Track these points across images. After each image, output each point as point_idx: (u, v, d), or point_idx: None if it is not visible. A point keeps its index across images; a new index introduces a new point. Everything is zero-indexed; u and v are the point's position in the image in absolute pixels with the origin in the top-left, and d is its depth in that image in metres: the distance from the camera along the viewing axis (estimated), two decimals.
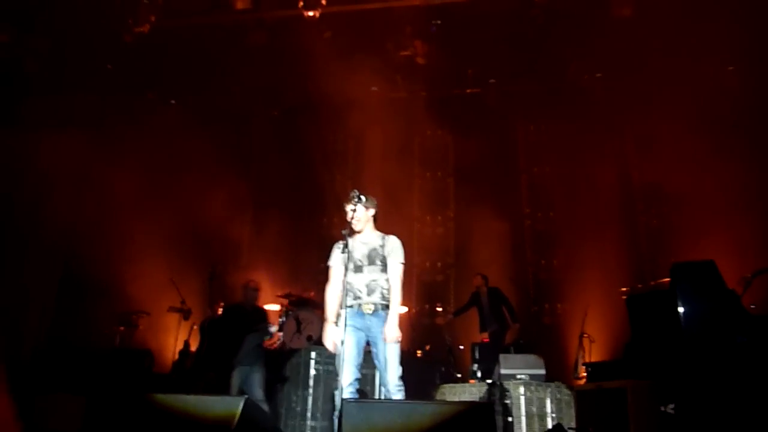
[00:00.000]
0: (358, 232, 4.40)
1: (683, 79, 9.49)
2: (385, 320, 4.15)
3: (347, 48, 9.47)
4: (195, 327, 8.87)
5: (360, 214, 4.33)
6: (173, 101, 11.17)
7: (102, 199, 9.78)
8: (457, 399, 7.44)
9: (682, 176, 9.24)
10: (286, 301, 8.91)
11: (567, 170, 10.70)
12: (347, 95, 10.91)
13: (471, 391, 7.39)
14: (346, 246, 4.08)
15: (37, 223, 9.68)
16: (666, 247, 9.77)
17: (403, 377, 4.10)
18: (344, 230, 4.14)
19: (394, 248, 4.39)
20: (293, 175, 11.35)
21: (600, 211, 10.05)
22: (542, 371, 7.41)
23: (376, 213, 4.56)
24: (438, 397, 7.64)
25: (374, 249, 4.36)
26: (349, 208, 4.35)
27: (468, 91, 11.14)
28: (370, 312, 4.17)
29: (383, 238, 4.47)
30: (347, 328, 3.88)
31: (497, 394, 7.08)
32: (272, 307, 9.28)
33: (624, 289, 8.37)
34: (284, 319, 8.69)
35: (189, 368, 8.20)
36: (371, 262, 4.30)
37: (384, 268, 4.31)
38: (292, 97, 11.43)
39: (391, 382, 4.02)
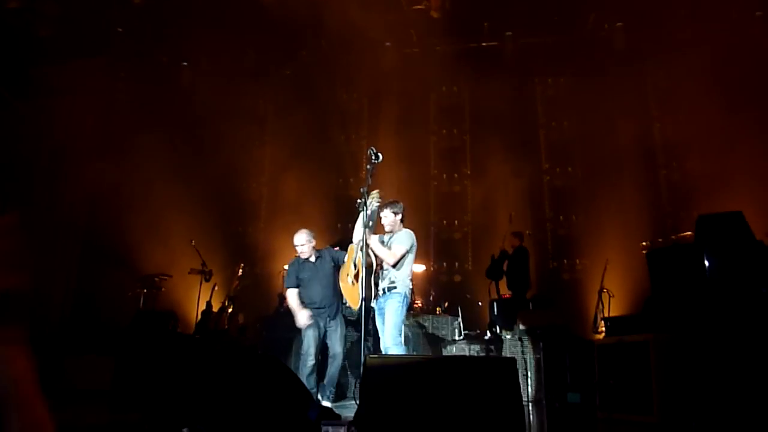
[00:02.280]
0: (387, 232, 5.12)
1: (707, 26, 9.17)
2: (390, 297, 4.90)
3: (360, 3, 9.25)
4: (216, 288, 9.02)
5: (389, 219, 5.04)
6: (185, 63, 11.06)
7: (119, 164, 9.82)
8: (475, 354, 7.53)
9: (704, 128, 9.03)
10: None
11: (586, 124, 10.48)
12: (361, 52, 10.74)
13: (489, 347, 7.45)
14: (365, 203, 4.39)
15: (57, 191, 9.77)
16: (687, 201, 9.62)
17: (399, 346, 4.79)
18: (362, 188, 4.39)
19: (398, 238, 5.01)
20: (308, 135, 11.27)
21: (620, 165, 9.89)
22: (561, 326, 7.42)
23: (403, 214, 5.16)
24: (456, 352, 7.72)
25: (385, 242, 5.06)
26: (382, 215, 5.00)
27: (484, 44, 10.86)
28: (383, 294, 4.96)
29: (401, 232, 5.10)
30: (375, 310, 5.05)
31: (517, 348, 7.14)
32: None
33: (644, 243, 8.30)
34: None
35: (212, 328, 8.36)
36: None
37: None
38: (305, 55, 11.26)
39: (387, 343, 4.75)
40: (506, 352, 7.26)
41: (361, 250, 4.61)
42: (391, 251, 4.91)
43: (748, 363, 3.67)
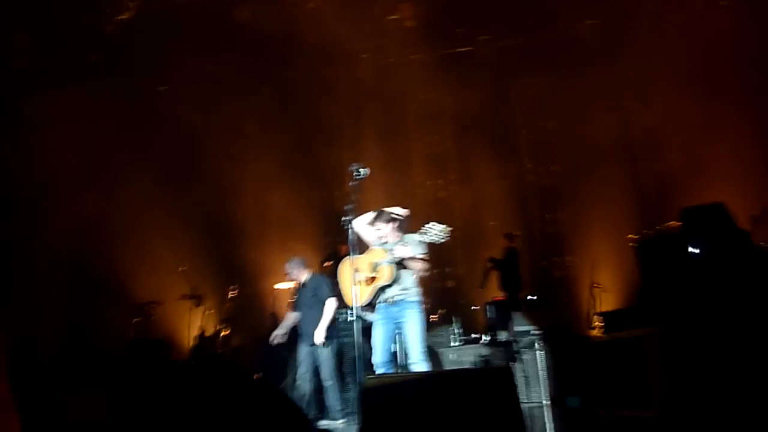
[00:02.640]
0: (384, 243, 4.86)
1: (676, 18, 9.28)
2: (406, 308, 4.68)
3: (335, 16, 9.30)
4: (210, 311, 8.95)
5: (385, 231, 4.82)
6: (163, 87, 11.03)
7: (103, 193, 9.75)
8: (472, 359, 7.52)
9: (682, 119, 9.14)
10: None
11: (566, 122, 10.58)
12: (339, 65, 10.78)
13: (486, 350, 7.45)
14: (351, 221, 4.28)
15: (41, 224, 9.65)
16: (670, 191, 9.70)
17: (426, 353, 4.59)
18: (347, 206, 4.32)
19: (409, 240, 4.81)
20: (292, 151, 11.26)
21: (602, 160, 9.96)
22: (555, 325, 7.44)
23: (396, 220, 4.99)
24: (453, 357, 7.70)
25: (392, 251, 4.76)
26: (378, 227, 4.84)
27: (460, 49, 10.95)
28: (394, 303, 4.71)
29: (405, 237, 4.89)
30: (379, 319, 4.70)
31: (513, 350, 7.14)
32: (283, 286, 9.31)
33: (632, 236, 8.36)
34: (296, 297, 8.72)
35: (206, 353, 8.28)
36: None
37: (403, 266, 4.75)
38: (283, 71, 11.27)
39: (414, 357, 4.52)
40: (504, 356, 7.25)
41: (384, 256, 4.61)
42: (421, 258, 4.71)
43: (740, 350, 3.70)
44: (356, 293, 4.51)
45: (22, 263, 9.17)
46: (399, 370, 4.67)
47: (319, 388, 6.29)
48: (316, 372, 6.25)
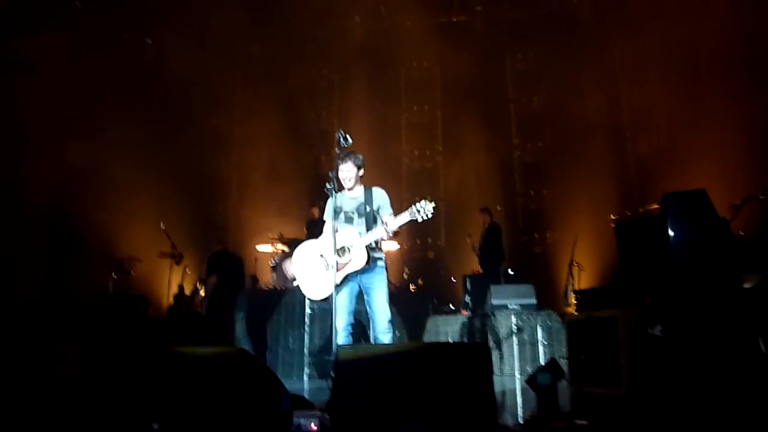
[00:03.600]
0: (349, 189, 4.45)
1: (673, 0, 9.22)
2: (375, 270, 4.32)
3: None
4: (188, 271, 8.90)
5: (351, 174, 4.37)
6: (149, 40, 10.76)
7: (85, 144, 9.57)
8: (449, 330, 7.63)
9: (671, 102, 9.14)
10: (277, 242, 8.90)
11: (555, 99, 10.53)
12: (330, 28, 10.58)
13: (463, 322, 7.55)
14: (334, 188, 4.06)
15: (20, 174, 9.46)
16: (654, 174, 9.78)
17: (392, 321, 4.30)
18: (328, 184, 4.10)
19: (384, 203, 4.42)
20: (277, 113, 11.10)
21: (588, 139, 9.97)
22: (533, 300, 7.56)
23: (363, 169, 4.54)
24: (430, 328, 7.81)
25: (362, 203, 4.40)
26: (344, 168, 4.36)
27: (454, 19, 10.81)
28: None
29: (371, 190, 4.47)
30: (343, 281, 4.19)
31: (489, 324, 7.25)
32: (265, 249, 9.30)
33: (613, 216, 8.43)
34: (277, 260, 8.73)
35: (185, 311, 8.28)
36: (360, 215, 4.36)
37: (374, 221, 4.36)
38: (273, 31, 11.04)
39: (380, 327, 4.23)
40: (479, 328, 7.37)
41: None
42: (393, 221, 4.23)
43: (711, 336, 3.78)
44: (318, 282, 4.27)
45: (0, 209, 9.03)
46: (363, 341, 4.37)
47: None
48: None
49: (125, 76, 10.14)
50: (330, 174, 4.14)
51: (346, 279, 4.23)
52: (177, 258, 8.53)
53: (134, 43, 10.71)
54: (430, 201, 4.09)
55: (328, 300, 4.14)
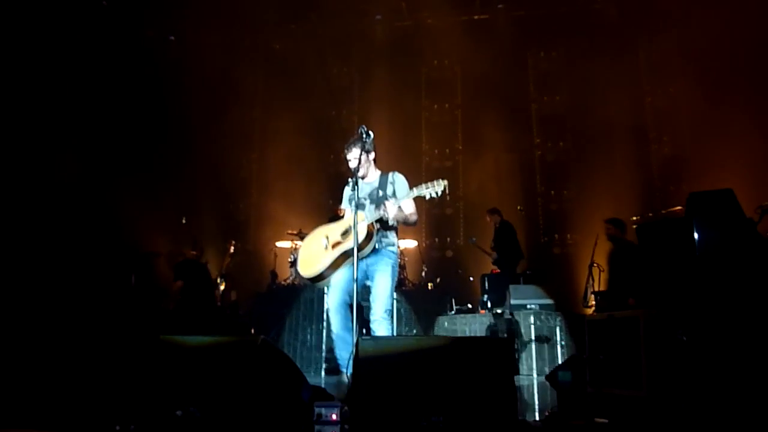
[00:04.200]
0: (362, 177, 4.24)
1: (700, 2, 9.10)
2: (381, 254, 4.14)
3: None
4: (208, 265, 8.98)
5: (357, 158, 4.09)
6: (172, 37, 10.87)
7: (107, 140, 9.68)
8: (468, 329, 7.61)
9: (695, 104, 9.02)
10: (297, 238, 8.95)
11: (578, 98, 10.45)
12: (351, 26, 10.61)
13: (482, 321, 7.53)
14: (355, 185, 3.93)
15: (41, 165, 9.60)
16: (677, 176, 9.66)
17: (391, 312, 4.08)
18: (350, 179, 3.97)
19: (399, 186, 4.25)
20: (298, 111, 11.16)
21: (611, 140, 9.89)
22: (551, 301, 7.51)
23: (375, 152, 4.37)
24: (448, 326, 7.81)
25: (375, 188, 4.25)
26: (351, 156, 4.18)
27: (476, 17, 10.76)
28: (374, 249, 4.10)
29: (387, 176, 4.31)
30: (347, 261, 3.99)
31: (507, 323, 7.22)
32: (284, 245, 9.36)
33: (635, 218, 8.34)
34: (296, 256, 8.76)
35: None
36: (372, 201, 4.19)
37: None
38: (294, 28, 11.10)
39: (376, 314, 4.01)
40: (497, 327, 7.34)
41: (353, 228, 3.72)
42: (408, 204, 4.11)
43: (736, 339, 3.72)
44: (312, 259, 4.13)
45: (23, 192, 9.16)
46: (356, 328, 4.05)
47: None
48: None
49: (148, 71, 10.25)
50: (353, 168, 4.09)
51: (349, 260, 3.97)
52: (197, 253, 8.61)
53: (158, 40, 10.82)
54: (444, 179, 3.96)
55: (317, 280, 4.04)
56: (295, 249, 8.97)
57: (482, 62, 10.16)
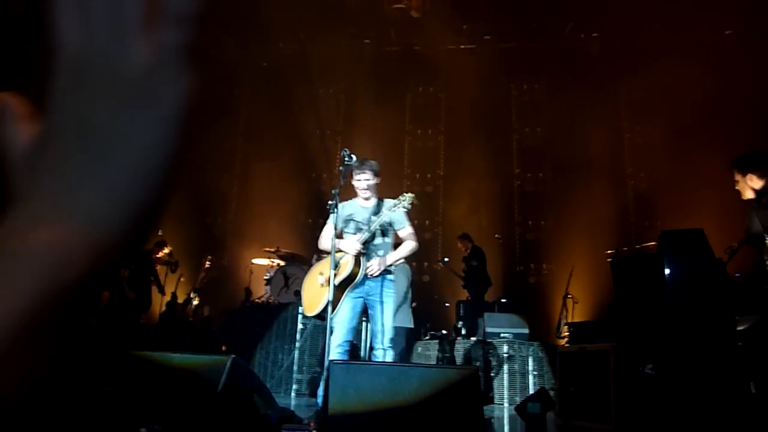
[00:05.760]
0: (365, 199, 4.36)
1: (680, 42, 9.40)
2: (383, 284, 4.19)
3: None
4: (182, 279, 8.88)
5: (371, 182, 4.28)
6: None
7: None
8: (441, 355, 7.60)
9: (673, 143, 9.25)
10: (274, 256, 8.90)
11: (558, 131, 10.64)
12: (339, 48, 10.71)
13: (456, 348, 7.53)
14: (336, 206, 3.98)
15: None
16: (652, 212, 9.85)
17: (393, 339, 4.19)
18: (334, 190, 4.03)
19: (397, 218, 4.33)
20: (282, 128, 11.20)
21: (589, 173, 10.06)
22: (525, 330, 7.54)
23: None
24: (422, 352, 7.79)
25: (372, 214, 4.31)
26: (363, 177, 4.28)
27: (462, 46, 10.94)
28: (371, 276, 4.15)
29: (382, 203, 4.38)
30: (347, 292, 4.05)
31: (481, 351, 7.23)
32: (260, 262, 9.29)
33: (609, 251, 8.46)
34: (272, 274, 8.72)
35: (177, 320, 8.24)
36: (366, 225, 4.25)
37: (384, 233, 4.28)
38: (282, 47, 11.17)
39: (382, 343, 4.09)
40: (470, 355, 7.35)
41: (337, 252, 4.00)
42: (409, 234, 4.28)
43: (703, 375, 3.78)
44: (312, 297, 4.19)
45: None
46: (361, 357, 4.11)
47: None
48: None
49: None
50: (333, 191, 4.10)
51: (348, 293, 4.07)
52: (173, 266, 8.52)
53: None
54: (409, 194, 4.08)
55: (324, 316, 3.99)
56: (272, 267, 8.93)
57: (467, 91, 10.32)
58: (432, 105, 11.85)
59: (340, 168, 4.15)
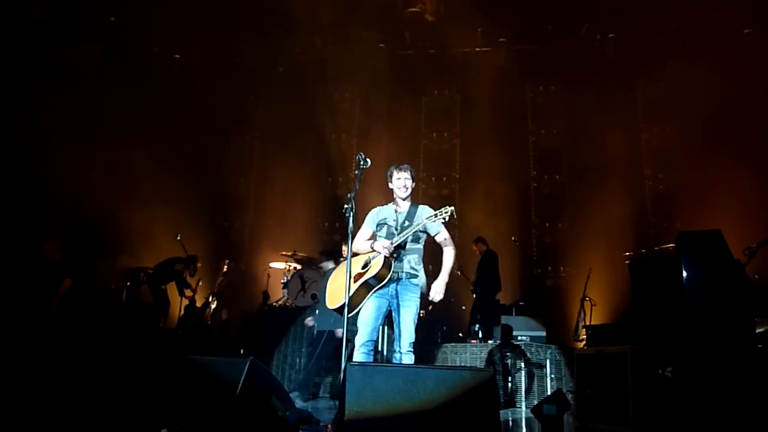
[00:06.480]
0: (403, 199, 4.37)
1: (697, 41, 9.32)
2: (408, 288, 4.20)
3: (355, 3, 9.30)
4: (201, 283, 8.99)
5: (409, 183, 4.32)
6: (178, 55, 11.02)
7: (107, 153, 9.74)
8: (458, 358, 7.59)
9: (691, 144, 9.18)
10: (291, 260, 8.97)
11: (575, 133, 10.59)
12: (355, 52, 10.77)
13: (472, 351, 7.52)
14: (352, 209, 3.99)
15: (43, 179, 9.66)
16: (670, 213, 9.76)
17: (415, 343, 4.15)
18: (350, 194, 4.04)
19: (433, 225, 4.25)
20: (299, 133, 11.28)
21: (606, 174, 9.99)
22: (542, 333, 7.51)
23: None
24: (440, 356, 7.79)
25: (405, 218, 4.29)
26: (403, 176, 4.33)
27: (477, 49, 10.94)
28: (397, 279, 4.17)
29: (416, 207, 4.37)
30: (372, 293, 4.08)
31: (498, 354, 7.22)
32: (277, 266, 9.37)
33: (627, 253, 8.40)
34: (289, 278, 8.78)
35: (195, 323, 8.33)
36: (402, 230, 4.21)
37: (416, 239, 4.28)
38: (298, 52, 11.26)
39: (404, 347, 4.08)
40: (487, 358, 7.33)
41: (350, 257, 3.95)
42: (445, 239, 4.31)
43: (721, 378, 3.75)
44: (336, 290, 4.21)
45: (21, 212, 9.19)
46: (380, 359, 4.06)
47: None
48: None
49: (152, 89, 10.36)
50: (349, 195, 4.09)
51: (373, 294, 4.10)
52: (191, 270, 8.63)
53: (163, 58, 10.97)
54: (450, 206, 4.05)
55: (342, 311, 3.92)
56: (289, 270, 8.99)
57: (482, 93, 10.32)
58: (447, 108, 11.85)
59: (356, 172, 4.16)
